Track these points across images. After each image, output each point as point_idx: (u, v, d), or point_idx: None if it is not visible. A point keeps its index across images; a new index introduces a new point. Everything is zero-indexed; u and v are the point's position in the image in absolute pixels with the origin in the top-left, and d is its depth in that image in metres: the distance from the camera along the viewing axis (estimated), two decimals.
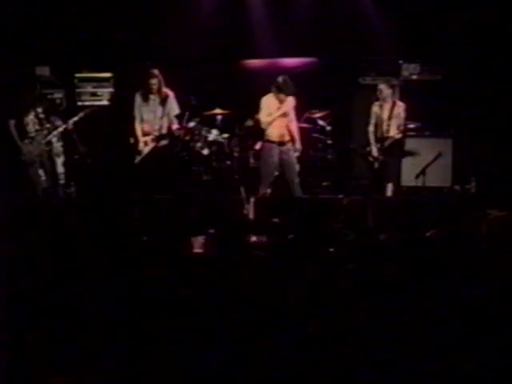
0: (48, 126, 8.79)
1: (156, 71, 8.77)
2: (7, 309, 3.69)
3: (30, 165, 8.74)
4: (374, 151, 9.12)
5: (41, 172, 8.80)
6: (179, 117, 8.96)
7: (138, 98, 8.89)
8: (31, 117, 8.77)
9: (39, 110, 8.78)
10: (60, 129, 8.79)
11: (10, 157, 8.64)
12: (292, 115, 8.89)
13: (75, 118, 8.80)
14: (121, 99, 9.44)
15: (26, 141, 8.72)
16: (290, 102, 8.77)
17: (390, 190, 9.20)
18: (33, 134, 8.74)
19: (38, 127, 8.78)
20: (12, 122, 8.73)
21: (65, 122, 8.79)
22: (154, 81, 8.75)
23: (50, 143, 8.84)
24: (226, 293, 3.93)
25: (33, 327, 3.67)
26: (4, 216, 5.90)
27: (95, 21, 10.05)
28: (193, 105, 9.02)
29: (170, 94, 8.86)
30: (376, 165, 9.16)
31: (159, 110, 8.86)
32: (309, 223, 7.24)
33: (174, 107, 8.87)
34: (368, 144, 9.22)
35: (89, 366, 3.49)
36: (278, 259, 4.50)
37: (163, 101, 8.83)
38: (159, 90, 8.80)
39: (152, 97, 8.84)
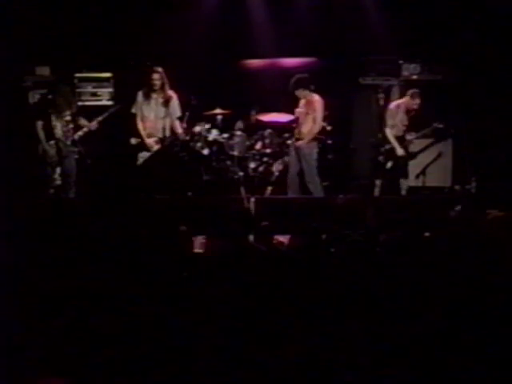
0: (73, 126, 8.85)
1: (160, 69, 8.78)
2: (8, 306, 3.69)
3: (49, 165, 8.80)
4: (399, 151, 9.22)
5: (57, 171, 8.86)
6: (180, 118, 8.98)
7: (139, 96, 8.88)
8: (59, 119, 8.82)
9: (67, 112, 8.84)
10: (85, 129, 8.84)
11: (29, 156, 8.71)
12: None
13: (99, 118, 8.83)
14: (121, 99, 9.43)
15: (52, 142, 8.77)
16: None
17: (405, 187, 9.30)
18: (59, 136, 8.79)
19: (64, 129, 8.83)
20: (39, 124, 8.79)
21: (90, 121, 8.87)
22: (156, 76, 8.73)
23: (75, 144, 8.88)
24: (226, 292, 3.93)
25: (34, 326, 3.68)
26: (12, 215, 5.90)
27: (95, 21, 10.05)
28: (193, 105, 9.04)
29: (174, 96, 8.84)
30: (389, 164, 9.24)
31: (161, 110, 8.84)
32: (307, 223, 7.23)
33: (176, 110, 8.87)
34: (382, 144, 9.35)
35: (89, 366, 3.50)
36: (279, 259, 4.51)
37: (166, 102, 8.80)
38: (162, 89, 8.77)
39: (154, 96, 8.83)
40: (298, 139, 9.16)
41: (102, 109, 9.20)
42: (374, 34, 10.14)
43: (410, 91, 9.30)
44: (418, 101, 9.21)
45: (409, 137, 9.30)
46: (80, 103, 9.88)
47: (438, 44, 9.97)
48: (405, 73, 10.10)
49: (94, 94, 10.01)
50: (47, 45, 9.87)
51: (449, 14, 9.87)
